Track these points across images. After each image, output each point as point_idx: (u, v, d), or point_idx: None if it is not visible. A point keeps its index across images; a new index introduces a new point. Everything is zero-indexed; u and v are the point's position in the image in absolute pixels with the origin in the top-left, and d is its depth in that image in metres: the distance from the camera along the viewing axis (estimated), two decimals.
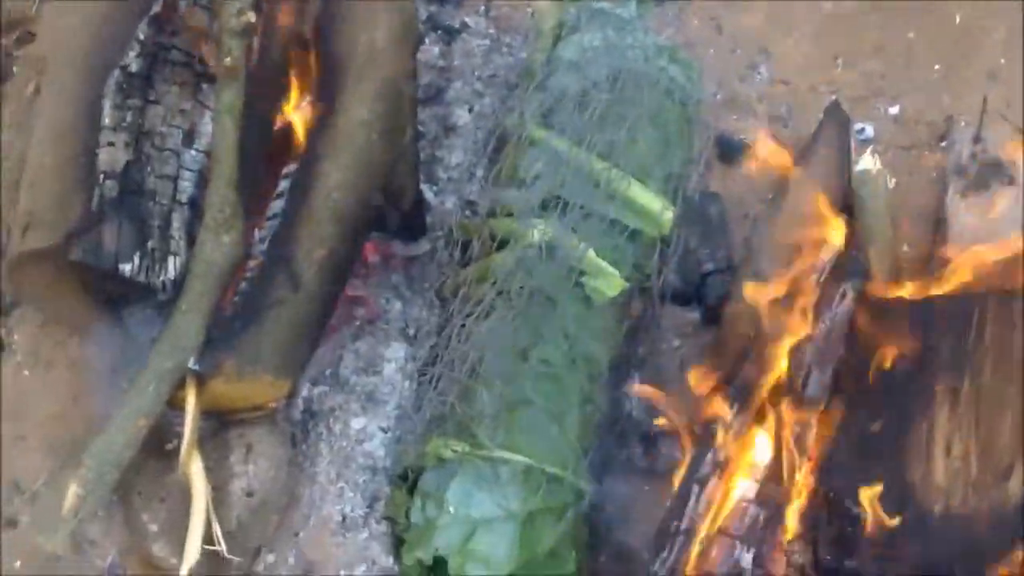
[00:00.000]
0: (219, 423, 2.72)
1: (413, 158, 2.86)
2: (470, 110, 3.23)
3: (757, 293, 2.70)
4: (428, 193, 3.08)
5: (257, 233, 2.71)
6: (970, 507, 2.31)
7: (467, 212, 2.87)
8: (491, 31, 3.37)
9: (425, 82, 3.21)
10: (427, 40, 3.28)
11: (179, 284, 2.59)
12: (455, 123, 3.22)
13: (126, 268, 2.55)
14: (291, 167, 2.76)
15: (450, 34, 3.36)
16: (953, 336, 2.53)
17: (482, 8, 3.41)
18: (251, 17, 2.49)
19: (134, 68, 2.64)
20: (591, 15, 2.93)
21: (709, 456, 2.47)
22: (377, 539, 2.76)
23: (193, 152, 2.70)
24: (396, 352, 2.93)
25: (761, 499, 2.46)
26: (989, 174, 2.88)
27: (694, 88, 2.91)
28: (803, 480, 2.49)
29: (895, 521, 2.33)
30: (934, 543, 2.31)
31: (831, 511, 2.41)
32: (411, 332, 2.94)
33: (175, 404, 2.57)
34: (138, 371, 2.54)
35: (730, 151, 3.16)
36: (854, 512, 2.38)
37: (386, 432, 2.84)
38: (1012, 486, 2.30)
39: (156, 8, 2.67)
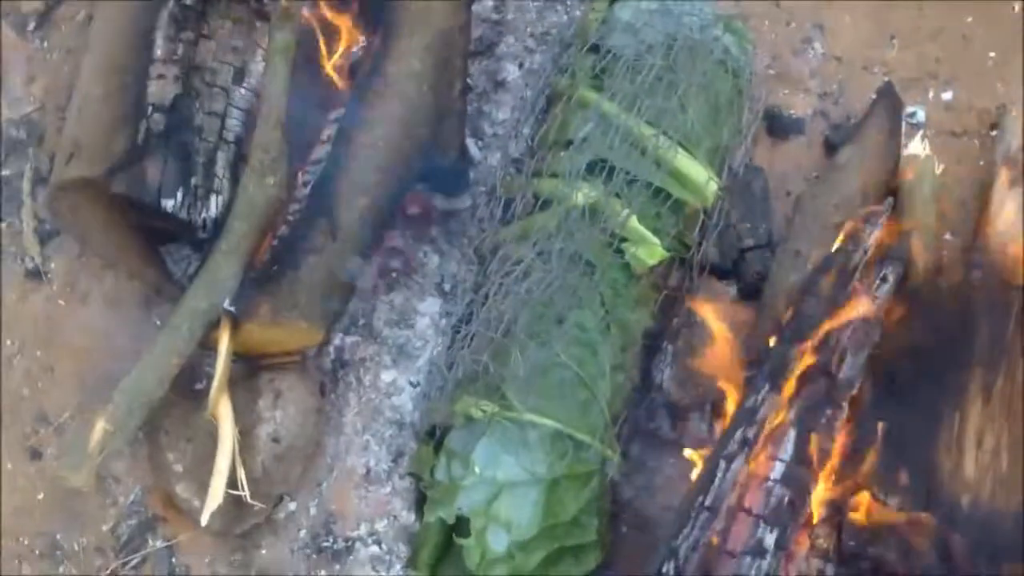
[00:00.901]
0: (250, 367, 2.72)
1: (461, 112, 2.85)
2: (520, 66, 3.21)
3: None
4: (473, 148, 3.06)
5: (300, 177, 2.71)
6: (998, 501, 2.30)
7: (511, 170, 2.85)
8: None
9: (477, 35, 3.19)
10: None
11: (220, 224, 2.59)
12: (505, 79, 3.20)
13: (168, 204, 2.56)
14: (338, 112, 2.74)
15: None
16: (991, 327, 2.50)
17: None
18: None
19: (189, 0, 2.63)
20: None
21: (739, 433, 2.45)
22: (399, 494, 2.76)
23: (242, 90, 2.70)
24: (430, 307, 2.92)
25: (788, 480, 2.43)
26: None
27: (747, 59, 2.87)
28: (831, 463, 2.47)
29: (921, 511, 2.32)
30: (959, 535, 2.29)
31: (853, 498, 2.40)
32: (446, 288, 2.94)
33: (207, 345, 2.57)
34: (173, 309, 2.54)
35: (779, 126, 3.13)
36: (881, 499, 2.36)
37: (415, 387, 2.84)
38: None
39: None
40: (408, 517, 2.75)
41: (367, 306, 2.91)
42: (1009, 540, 2.26)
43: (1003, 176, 2.87)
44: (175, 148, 2.57)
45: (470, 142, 3.03)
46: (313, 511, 2.77)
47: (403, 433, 2.82)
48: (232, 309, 2.53)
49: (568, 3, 3.27)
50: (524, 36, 3.24)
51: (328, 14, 2.78)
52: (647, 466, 2.77)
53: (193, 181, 2.58)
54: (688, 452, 2.69)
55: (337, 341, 2.87)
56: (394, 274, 2.95)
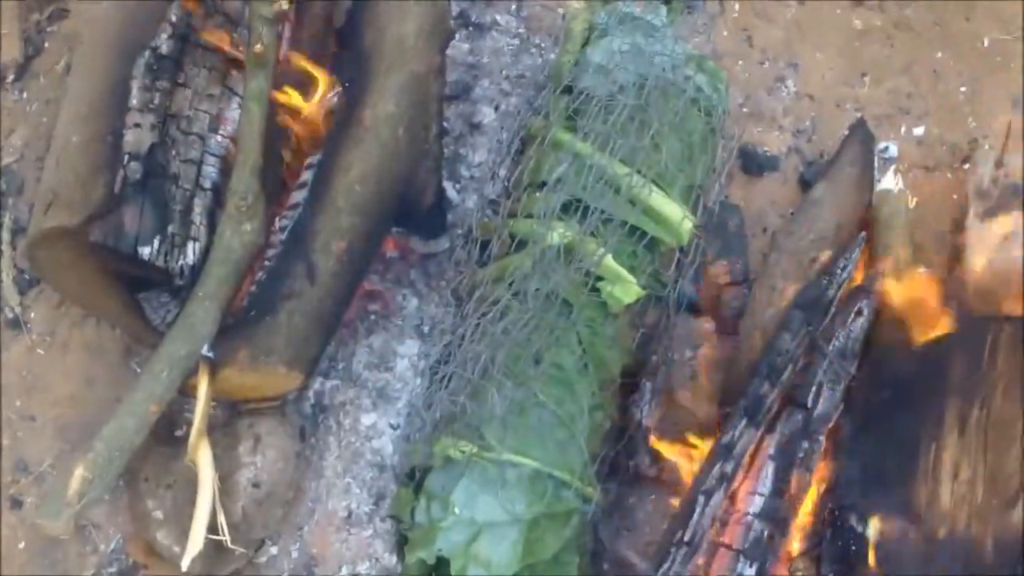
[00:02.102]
0: (229, 412, 2.73)
1: (437, 154, 2.87)
2: (496, 109, 3.24)
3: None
4: (450, 191, 3.08)
5: (278, 222, 2.73)
6: (974, 532, 2.31)
7: (488, 211, 2.87)
8: (521, 30, 3.38)
9: (453, 79, 3.22)
10: (457, 36, 3.28)
11: (197, 270, 2.60)
12: (480, 121, 3.22)
13: (145, 251, 2.57)
14: (315, 157, 2.76)
15: (480, 31, 3.37)
16: (966, 359, 2.52)
17: (513, 7, 3.41)
18: (284, 5, 2.50)
19: (164, 50, 2.66)
20: (621, 20, 2.92)
21: (716, 469, 2.46)
22: (381, 537, 2.77)
23: (219, 137, 2.71)
24: (410, 349, 2.94)
25: (766, 514, 2.45)
26: (1010, 199, 2.86)
27: (720, 98, 2.90)
28: (809, 497, 2.49)
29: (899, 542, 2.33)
30: (936, 566, 2.30)
31: (835, 529, 2.41)
32: (426, 329, 2.95)
33: (186, 391, 2.57)
34: (151, 356, 2.54)
35: (753, 163, 3.16)
36: (858, 531, 2.38)
37: (395, 429, 2.85)
38: (1017, 514, 2.29)
39: None
40: (390, 559, 2.75)
41: (347, 350, 2.93)
42: (985, 570, 2.27)
43: (976, 209, 2.89)
44: (152, 196, 2.58)
45: (447, 185, 3.05)
46: (295, 555, 2.77)
47: (384, 476, 2.82)
48: (211, 355, 2.53)
49: (542, 45, 3.31)
50: (499, 79, 3.27)
51: (303, 60, 2.79)
52: (628, 503, 2.78)
53: (170, 229, 2.59)
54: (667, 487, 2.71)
55: (317, 385, 2.88)
56: (373, 317, 2.96)
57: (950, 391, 2.48)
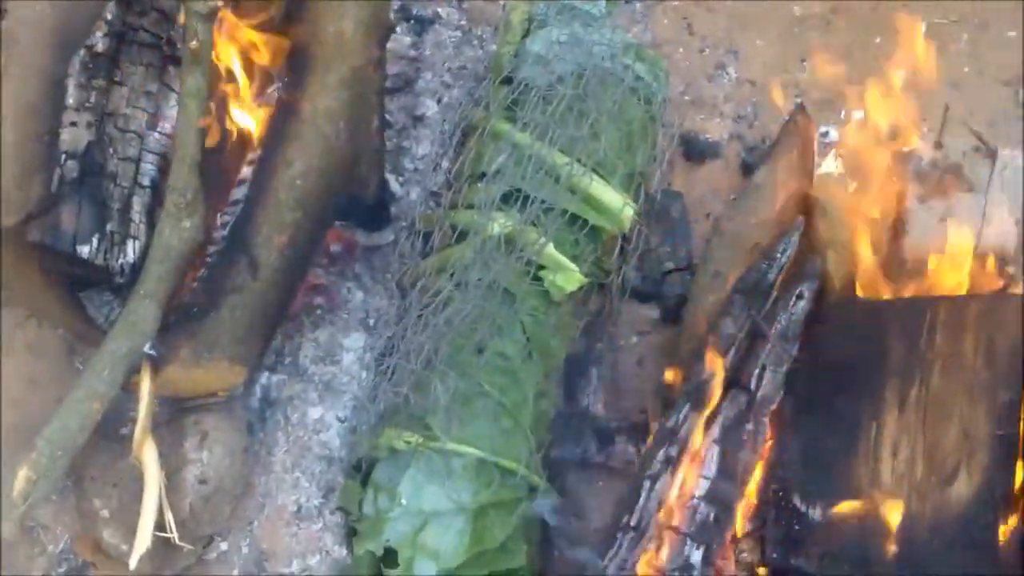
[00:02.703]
0: (175, 409, 2.73)
1: (378, 148, 2.87)
2: (439, 101, 3.24)
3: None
4: (394, 183, 3.08)
5: (219, 218, 2.72)
6: (914, 510, 2.33)
7: (431, 203, 2.87)
8: (463, 22, 3.39)
9: (395, 72, 3.22)
10: (398, 30, 3.28)
11: (138, 268, 2.60)
12: (423, 114, 3.23)
13: (84, 250, 2.56)
14: (255, 153, 2.76)
15: (421, 24, 3.37)
16: (904, 339, 2.53)
17: None
18: (218, 1, 2.49)
19: (100, 48, 2.65)
20: (560, 10, 2.93)
21: (661, 453, 2.47)
22: (331, 530, 2.77)
23: (156, 135, 2.71)
24: (356, 342, 2.94)
25: (712, 497, 2.46)
26: (948, 181, 2.89)
27: (660, 86, 2.91)
28: (754, 479, 2.50)
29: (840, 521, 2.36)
30: (878, 544, 2.32)
31: (778, 509, 2.42)
32: (371, 322, 2.95)
33: (130, 388, 2.57)
34: (94, 354, 2.54)
35: (695, 150, 3.17)
36: (801, 511, 2.40)
37: (343, 422, 2.85)
38: (956, 490, 2.32)
39: None
40: (340, 552, 2.75)
41: (293, 344, 2.93)
42: (924, 546, 2.29)
43: (915, 191, 2.92)
44: (90, 194, 2.58)
45: (390, 177, 3.05)
46: (245, 550, 2.77)
47: (332, 469, 2.82)
48: (153, 352, 2.53)
49: (484, 37, 3.31)
50: (441, 71, 3.28)
51: (242, 54, 2.79)
52: (575, 490, 2.79)
53: (109, 227, 2.59)
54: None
55: (263, 380, 2.88)
56: (318, 311, 2.96)
57: (889, 370, 2.50)
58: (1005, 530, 2.27)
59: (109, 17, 2.64)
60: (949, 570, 2.26)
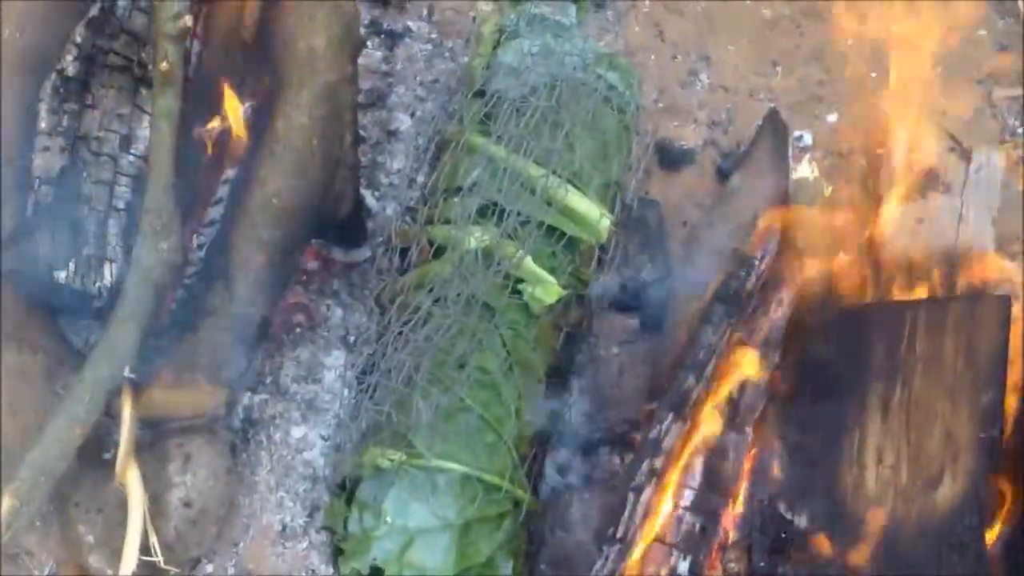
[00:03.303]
0: (157, 432, 2.70)
1: (353, 164, 2.86)
2: (412, 115, 3.24)
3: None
4: (370, 199, 3.07)
5: (195, 239, 2.71)
6: (899, 515, 2.34)
7: (407, 218, 2.87)
8: (434, 35, 3.38)
9: (367, 87, 3.21)
10: (369, 44, 3.28)
11: (116, 291, 2.58)
12: (397, 128, 3.22)
13: (60, 275, 2.55)
14: (230, 172, 2.75)
15: (393, 38, 3.36)
16: (886, 343, 2.54)
17: (425, 12, 3.41)
18: (188, 22, 2.50)
19: (71, 72, 2.63)
20: (530, 21, 2.93)
21: (645, 464, 2.47)
22: (317, 549, 2.76)
23: (130, 157, 2.69)
24: (337, 360, 2.93)
25: (698, 507, 2.46)
26: (924, 182, 2.90)
27: (633, 95, 2.92)
28: (739, 487, 2.50)
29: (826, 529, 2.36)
30: (864, 551, 2.33)
31: (765, 518, 2.43)
32: (352, 339, 2.94)
33: (111, 413, 2.56)
34: (74, 380, 2.52)
35: (670, 158, 3.18)
36: (787, 519, 2.40)
37: (326, 440, 2.84)
38: (941, 494, 2.32)
39: (94, 11, 2.66)
40: (326, 571, 2.74)
41: (273, 363, 2.91)
42: (913, 552, 2.30)
43: (892, 193, 2.92)
44: (64, 219, 2.56)
45: (366, 193, 3.04)
46: (231, 571, 2.75)
47: (317, 487, 2.81)
48: (133, 376, 2.52)
49: (455, 49, 3.31)
50: (414, 85, 3.27)
51: (213, 75, 2.78)
52: (561, 503, 2.79)
53: (85, 251, 2.57)
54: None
55: (245, 400, 2.87)
56: (298, 329, 2.95)
57: (872, 376, 2.51)
58: (991, 533, 2.28)
59: (79, 40, 2.63)
60: (937, 573, 2.26)
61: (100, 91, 2.66)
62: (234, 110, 2.72)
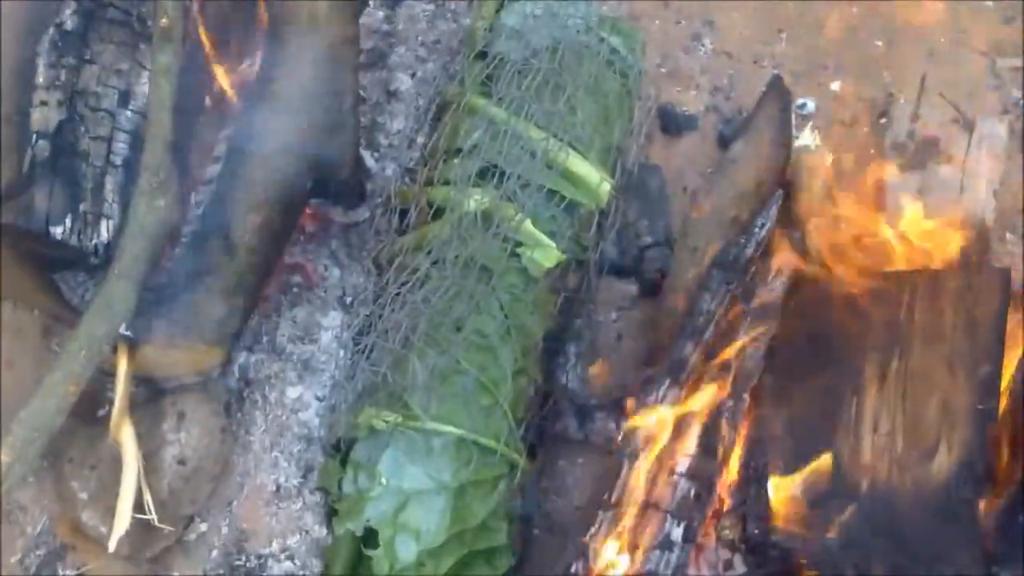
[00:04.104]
0: (152, 390, 2.70)
1: (353, 124, 2.84)
2: (413, 76, 3.22)
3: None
4: (369, 159, 3.06)
5: (193, 197, 2.70)
6: (895, 484, 2.33)
7: (407, 179, 2.86)
8: None
9: (368, 47, 3.20)
10: (371, 3, 3.26)
11: (112, 248, 2.57)
12: (397, 88, 3.20)
13: (57, 231, 2.54)
14: (229, 131, 2.73)
15: None
16: (884, 313, 2.54)
17: None
18: None
19: (69, 26, 2.61)
20: None
21: (641, 430, 2.47)
22: (311, 509, 2.76)
23: (129, 113, 2.67)
24: (333, 320, 2.92)
25: (693, 473, 2.46)
26: (926, 152, 2.89)
27: (636, 59, 2.90)
28: (735, 455, 2.50)
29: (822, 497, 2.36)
30: (860, 519, 2.32)
31: (760, 486, 2.42)
32: (349, 300, 2.93)
33: (107, 370, 2.55)
34: (69, 336, 2.52)
35: (672, 123, 3.16)
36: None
37: (322, 401, 2.83)
38: (936, 464, 2.32)
39: None
40: (320, 531, 2.74)
41: (270, 323, 2.91)
42: (907, 522, 2.29)
43: (893, 163, 2.92)
44: (62, 175, 2.55)
45: (365, 153, 3.03)
46: (224, 530, 2.75)
47: (312, 448, 2.81)
48: (129, 333, 2.51)
49: (457, 10, 3.28)
50: (415, 45, 3.25)
51: (213, 31, 2.76)
52: (556, 467, 2.79)
53: (82, 207, 2.56)
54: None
55: (241, 359, 2.86)
56: (296, 289, 2.94)
57: (870, 345, 2.51)
58: (985, 504, 2.28)
59: None
60: (930, 543, 2.26)
61: (99, 46, 2.64)
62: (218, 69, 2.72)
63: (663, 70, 3.23)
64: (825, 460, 2.39)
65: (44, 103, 2.55)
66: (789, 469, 2.41)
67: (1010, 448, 2.39)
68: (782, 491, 2.38)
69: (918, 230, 2.76)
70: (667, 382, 2.51)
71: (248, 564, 2.73)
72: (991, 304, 2.47)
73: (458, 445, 2.49)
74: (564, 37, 2.77)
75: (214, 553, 2.74)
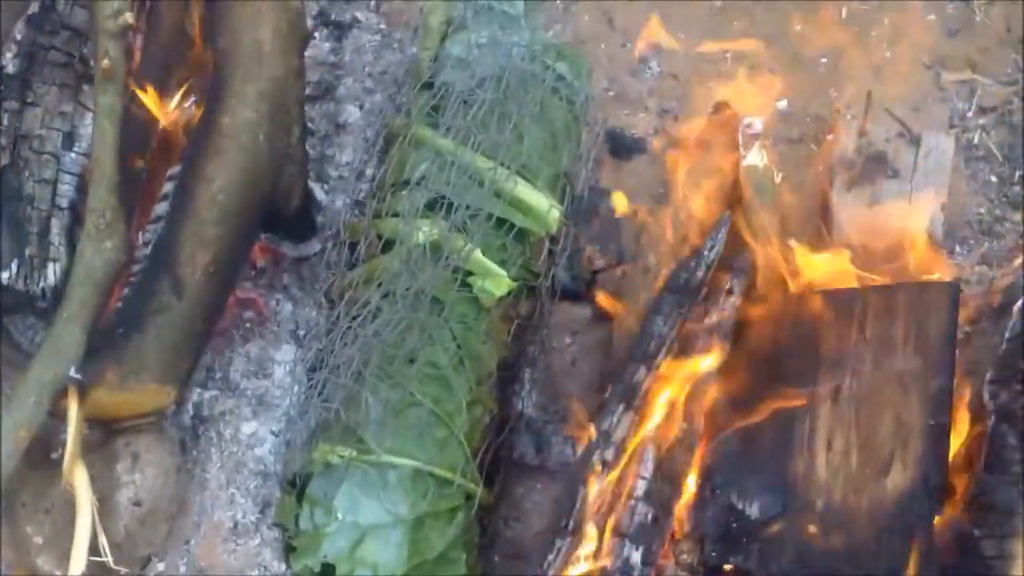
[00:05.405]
0: (105, 432, 2.69)
1: (301, 158, 2.84)
2: (360, 107, 3.22)
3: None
4: (319, 192, 3.05)
5: (140, 237, 2.68)
6: (850, 502, 2.34)
7: (356, 212, 2.85)
8: (382, 26, 3.37)
9: (315, 79, 3.20)
10: (317, 36, 3.26)
11: (60, 291, 2.56)
12: (346, 120, 3.20)
13: (3, 277, 2.53)
14: (175, 169, 2.72)
15: (341, 29, 3.35)
16: (836, 330, 2.54)
17: (372, 3, 3.39)
18: (128, 19, 2.46)
19: (11, 69, 2.61)
20: (478, 12, 2.92)
21: (596, 455, 2.46)
22: (269, 545, 2.75)
23: (73, 155, 2.66)
24: (287, 355, 2.91)
25: (650, 497, 2.45)
26: (873, 168, 2.90)
27: (582, 85, 2.91)
28: (691, 477, 2.50)
29: (777, 517, 2.36)
30: (815, 538, 2.33)
31: (716, 507, 2.42)
32: (302, 334, 2.93)
33: (57, 414, 2.53)
34: (19, 381, 2.50)
35: (621, 146, 3.17)
36: (739, 508, 2.39)
37: (277, 436, 2.82)
38: (891, 481, 2.32)
39: (34, 7, 2.63)
40: (279, 567, 2.73)
41: (223, 359, 2.90)
42: (863, 539, 2.30)
43: (840, 180, 2.92)
44: (6, 219, 2.54)
45: (315, 186, 3.02)
46: (183, 569, 2.74)
47: (268, 483, 2.80)
48: (79, 377, 2.49)
49: (404, 40, 3.29)
50: (363, 77, 3.26)
51: (156, 69, 2.75)
52: (515, 494, 2.78)
53: (28, 251, 2.55)
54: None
55: (195, 397, 2.85)
56: (248, 324, 2.93)
57: (822, 362, 2.51)
58: (940, 520, 2.28)
59: (19, 37, 2.60)
60: (887, 561, 2.27)
61: (41, 88, 2.63)
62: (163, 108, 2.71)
63: (610, 94, 3.24)
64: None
65: None
66: (745, 491, 2.41)
67: (963, 462, 2.40)
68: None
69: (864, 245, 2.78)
70: (621, 407, 2.51)
71: None
72: (941, 318, 2.47)
73: (414, 477, 2.49)
74: (509, 65, 2.77)
75: None
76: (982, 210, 3.07)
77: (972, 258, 2.99)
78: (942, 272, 2.69)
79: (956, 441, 2.44)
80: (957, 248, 3.01)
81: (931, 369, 2.42)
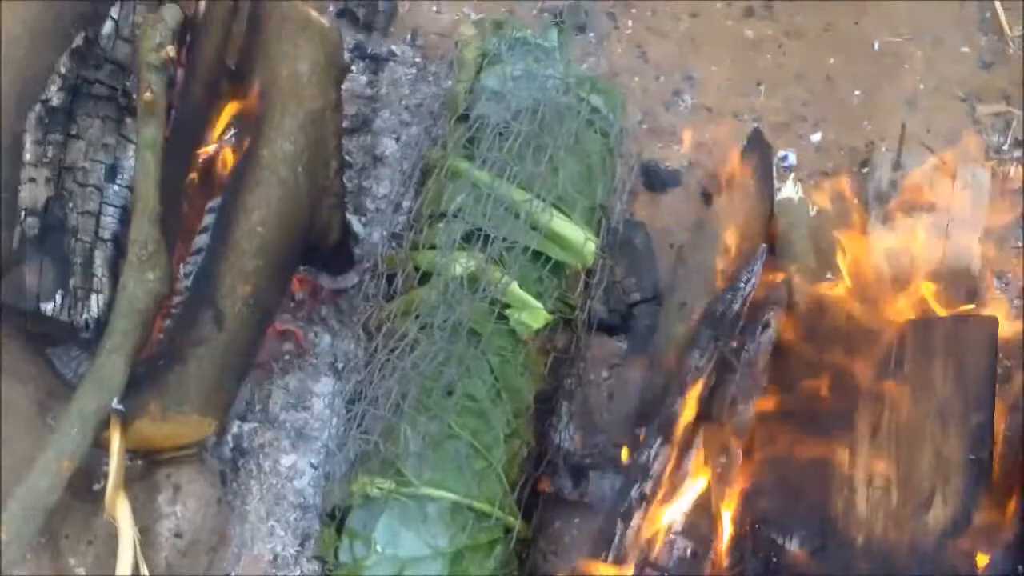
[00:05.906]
0: (147, 463, 2.70)
1: (339, 190, 2.86)
2: (397, 140, 3.24)
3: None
4: (357, 224, 3.07)
5: (182, 269, 2.70)
6: (891, 538, 2.33)
7: (394, 244, 2.87)
8: (418, 59, 3.39)
9: (352, 112, 3.22)
10: (354, 69, 3.28)
11: (103, 322, 2.57)
12: (383, 153, 3.22)
13: (47, 308, 2.54)
14: (215, 201, 2.75)
15: (377, 63, 3.37)
16: (874, 364, 2.54)
17: (409, 36, 3.42)
18: (170, 52, 2.50)
19: (55, 102, 2.62)
20: (511, 45, 2.94)
21: (635, 490, 2.47)
22: None
23: (116, 187, 2.68)
24: (326, 387, 2.93)
25: (689, 531, 2.46)
26: (909, 200, 2.91)
27: (616, 117, 2.92)
28: (731, 512, 2.50)
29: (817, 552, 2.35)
30: (856, 574, 2.32)
31: (756, 542, 2.42)
32: (340, 366, 2.94)
33: (100, 445, 2.54)
34: (63, 412, 2.51)
35: (656, 179, 3.18)
36: (779, 543, 2.39)
37: (316, 469, 2.83)
38: (932, 516, 2.32)
39: (78, 41, 2.65)
40: None
41: (263, 391, 2.91)
42: (902, 574, 2.29)
43: (876, 213, 2.93)
44: (51, 251, 2.55)
45: (353, 219, 3.04)
46: None
47: (308, 516, 2.80)
48: (121, 408, 2.51)
49: (439, 73, 3.31)
50: (399, 109, 3.28)
51: (197, 103, 2.77)
52: (553, 528, 2.78)
53: (72, 282, 2.56)
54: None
55: (235, 429, 2.86)
56: (287, 357, 2.95)
57: (860, 397, 2.51)
58: (983, 557, 2.28)
59: (63, 71, 2.62)
60: None
61: (85, 121, 2.65)
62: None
63: (644, 127, 3.26)
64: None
65: (32, 180, 2.56)
66: (784, 525, 2.41)
67: (1004, 498, 2.39)
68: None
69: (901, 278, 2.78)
70: (658, 440, 2.51)
71: None
72: (980, 352, 2.48)
73: (453, 510, 2.50)
74: (544, 98, 2.79)
75: None
76: (1019, 243, 3.07)
77: (1011, 292, 2.98)
78: (980, 306, 2.70)
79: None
80: (996, 282, 3.00)
81: (971, 403, 2.42)
